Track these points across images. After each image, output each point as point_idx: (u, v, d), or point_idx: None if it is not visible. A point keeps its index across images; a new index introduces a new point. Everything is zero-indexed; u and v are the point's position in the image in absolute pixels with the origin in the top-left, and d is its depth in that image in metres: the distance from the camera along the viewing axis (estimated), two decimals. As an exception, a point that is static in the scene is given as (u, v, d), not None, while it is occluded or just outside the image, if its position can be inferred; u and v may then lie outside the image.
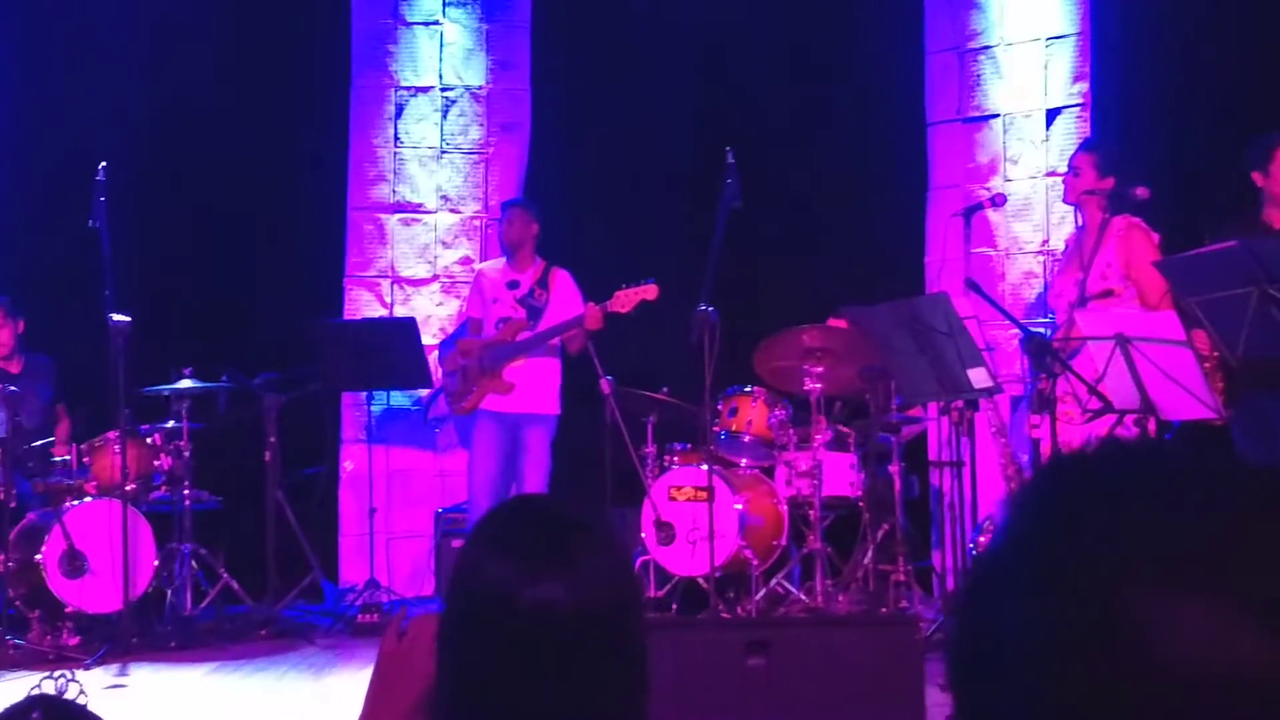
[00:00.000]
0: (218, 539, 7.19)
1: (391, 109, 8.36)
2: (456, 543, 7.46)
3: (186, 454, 7.02)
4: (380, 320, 8.03)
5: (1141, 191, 5.63)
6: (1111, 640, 0.73)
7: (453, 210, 8.41)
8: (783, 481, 6.95)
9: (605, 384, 6.77)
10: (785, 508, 6.91)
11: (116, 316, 6.25)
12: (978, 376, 5.29)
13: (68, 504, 6.71)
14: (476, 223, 8.41)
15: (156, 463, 7.04)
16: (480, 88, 8.44)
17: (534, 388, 7.14)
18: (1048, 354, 5.04)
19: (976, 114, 7.76)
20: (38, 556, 6.53)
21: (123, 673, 5.89)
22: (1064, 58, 7.50)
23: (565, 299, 7.21)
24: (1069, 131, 7.42)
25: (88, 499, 6.75)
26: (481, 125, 8.42)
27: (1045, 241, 7.47)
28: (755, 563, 6.78)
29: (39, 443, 7.06)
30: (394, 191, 8.36)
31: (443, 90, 8.40)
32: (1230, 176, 5.73)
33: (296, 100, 8.25)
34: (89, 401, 7.15)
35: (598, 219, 8.14)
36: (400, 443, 8.21)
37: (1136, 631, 0.72)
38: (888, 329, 5.54)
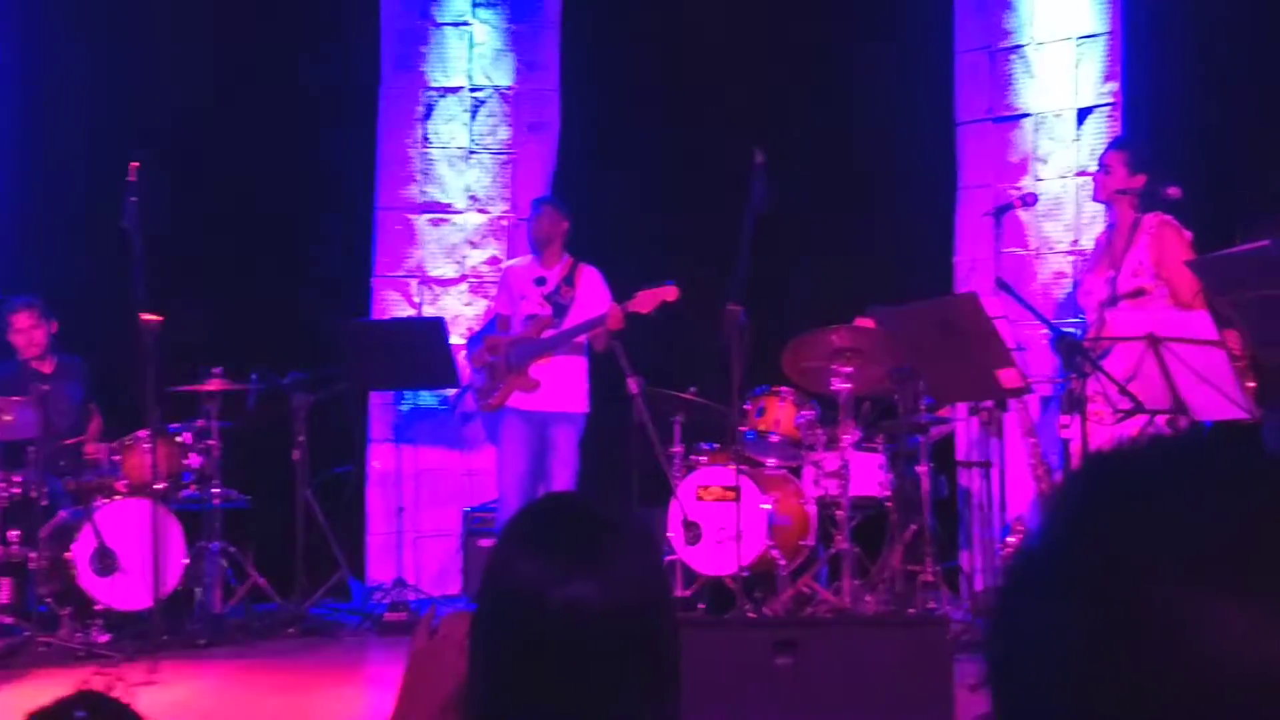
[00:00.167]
0: (247, 537, 7.21)
1: (421, 109, 8.38)
2: (484, 542, 7.48)
3: (216, 453, 7.05)
4: (409, 320, 8.04)
5: (1173, 191, 5.60)
6: (1146, 640, 0.73)
7: (481, 210, 8.42)
8: (810, 481, 6.93)
9: (633, 384, 6.76)
10: (813, 508, 6.90)
11: (146, 316, 6.28)
12: (1008, 377, 5.27)
13: (98, 502, 6.76)
14: (504, 223, 8.42)
15: (186, 461, 7.07)
16: (509, 88, 8.44)
17: (560, 386, 7.13)
18: (1078, 354, 5.02)
19: (1007, 113, 7.73)
20: (69, 554, 6.59)
21: (152, 670, 5.92)
22: (1095, 57, 7.46)
23: (592, 296, 7.19)
24: (1100, 131, 7.38)
25: (118, 497, 6.80)
26: (510, 125, 8.43)
27: (1076, 241, 7.43)
28: (783, 563, 6.78)
29: (70, 441, 7.11)
30: (422, 192, 8.37)
31: (472, 91, 8.41)
32: (1263, 175, 5.69)
33: (326, 100, 8.27)
34: (120, 401, 7.20)
35: (626, 219, 8.13)
36: (428, 442, 8.22)
37: (1171, 631, 0.72)
38: (917, 329, 5.52)
